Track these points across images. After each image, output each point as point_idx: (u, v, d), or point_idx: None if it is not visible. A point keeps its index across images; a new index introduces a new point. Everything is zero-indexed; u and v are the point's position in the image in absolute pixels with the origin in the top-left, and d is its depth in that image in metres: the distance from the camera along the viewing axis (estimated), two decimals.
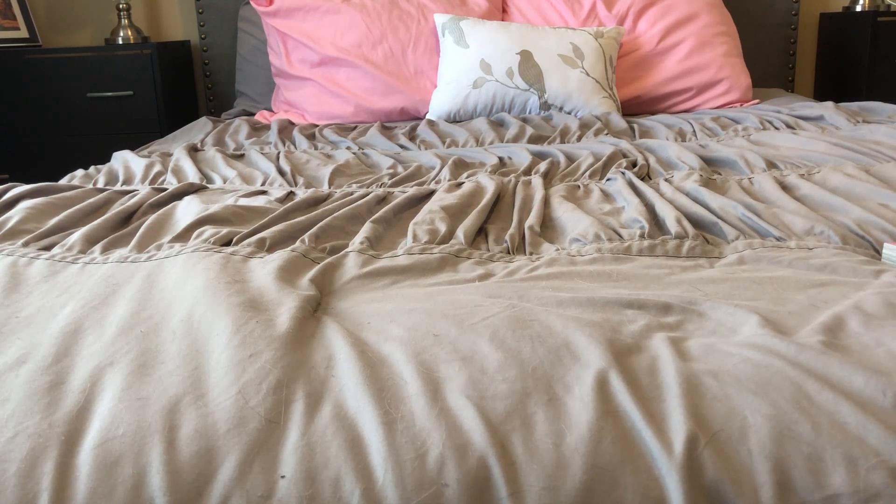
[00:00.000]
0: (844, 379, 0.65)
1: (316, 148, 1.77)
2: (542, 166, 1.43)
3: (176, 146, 1.78)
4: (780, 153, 1.49)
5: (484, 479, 0.57)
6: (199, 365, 0.69)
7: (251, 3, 2.30)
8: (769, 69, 2.70)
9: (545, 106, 2.06)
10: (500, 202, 1.24)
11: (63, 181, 1.48)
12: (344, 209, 1.17)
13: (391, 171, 1.48)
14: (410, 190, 1.29)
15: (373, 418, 0.62)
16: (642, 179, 1.35)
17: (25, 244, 1.07)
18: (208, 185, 1.41)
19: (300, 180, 1.42)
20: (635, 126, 1.88)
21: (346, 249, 1.00)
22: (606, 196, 1.27)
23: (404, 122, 2.14)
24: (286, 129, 1.98)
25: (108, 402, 0.64)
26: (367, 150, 1.68)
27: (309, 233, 1.05)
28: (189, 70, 2.69)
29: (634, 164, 1.44)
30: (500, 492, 0.57)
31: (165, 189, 1.36)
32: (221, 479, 0.58)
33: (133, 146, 2.27)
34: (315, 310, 0.82)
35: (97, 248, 1.05)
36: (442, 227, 1.07)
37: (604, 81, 2.07)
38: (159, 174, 1.50)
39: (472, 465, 0.58)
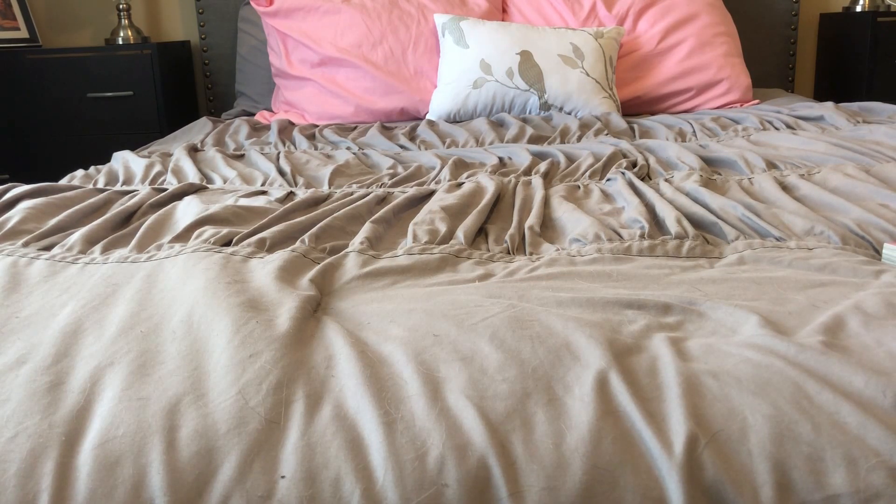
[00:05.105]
0: (844, 379, 0.65)
1: (316, 148, 1.77)
2: (542, 166, 1.43)
3: (176, 146, 1.78)
4: (780, 153, 1.49)
5: (484, 480, 0.57)
6: (199, 365, 0.69)
7: (251, 3, 2.30)
8: (769, 69, 2.70)
9: (545, 106, 2.06)
10: (500, 202, 1.24)
11: (63, 181, 1.48)
12: (344, 209, 1.17)
13: (391, 171, 1.48)
14: (410, 190, 1.29)
15: (373, 418, 0.62)
16: (642, 180, 1.35)
17: (25, 244, 1.07)
18: (208, 186, 1.41)
19: (300, 180, 1.42)
20: (635, 126, 1.88)
21: (346, 250, 1.00)
22: (606, 196, 1.27)
23: (404, 122, 2.14)
24: (286, 129, 1.98)
25: (108, 403, 0.64)
26: (367, 151, 1.68)
27: (309, 233, 1.05)
28: (189, 70, 2.69)
29: (634, 165, 1.44)
30: (500, 492, 0.57)
31: (165, 189, 1.36)
32: (221, 480, 0.58)
33: (133, 146, 2.27)
34: (315, 310, 0.82)
35: (97, 248, 1.05)
36: (442, 228, 1.07)
37: (604, 81, 2.07)
38: (159, 174, 1.50)
39: (472, 466, 0.58)
